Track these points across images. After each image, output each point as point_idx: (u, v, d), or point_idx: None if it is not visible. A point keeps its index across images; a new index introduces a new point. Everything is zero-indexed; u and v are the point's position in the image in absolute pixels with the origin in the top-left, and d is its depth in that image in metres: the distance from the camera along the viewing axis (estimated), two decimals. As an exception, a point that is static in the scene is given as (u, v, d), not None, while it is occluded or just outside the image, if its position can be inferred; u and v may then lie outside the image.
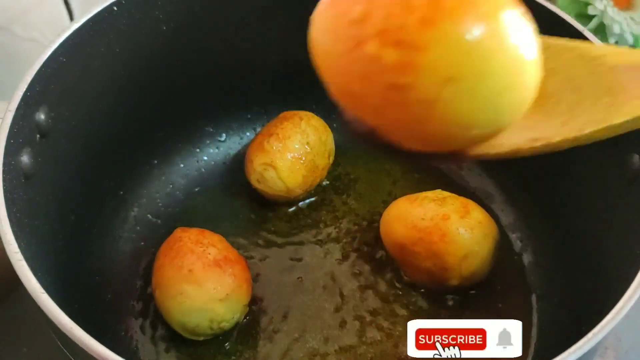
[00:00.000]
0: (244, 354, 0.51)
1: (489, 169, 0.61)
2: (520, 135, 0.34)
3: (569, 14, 0.50)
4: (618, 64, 0.35)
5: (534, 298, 0.54)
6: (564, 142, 0.34)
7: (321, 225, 0.58)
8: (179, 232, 0.52)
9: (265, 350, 0.51)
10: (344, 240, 0.57)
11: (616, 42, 0.63)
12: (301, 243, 0.57)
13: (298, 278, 0.55)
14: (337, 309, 0.53)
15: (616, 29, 0.62)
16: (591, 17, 0.62)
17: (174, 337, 0.51)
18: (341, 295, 0.54)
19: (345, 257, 0.56)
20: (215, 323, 0.48)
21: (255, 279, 0.54)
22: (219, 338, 0.51)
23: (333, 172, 0.62)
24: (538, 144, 0.34)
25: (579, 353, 0.34)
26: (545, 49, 0.33)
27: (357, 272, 0.55)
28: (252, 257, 0.56)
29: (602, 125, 0.34)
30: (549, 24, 0.50)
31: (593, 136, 0.34)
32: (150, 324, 0.52)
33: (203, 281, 0.48)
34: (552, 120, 0.35)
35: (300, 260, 0.56)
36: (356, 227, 0.58)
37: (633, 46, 0.64)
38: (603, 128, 0.34)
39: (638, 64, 0.34)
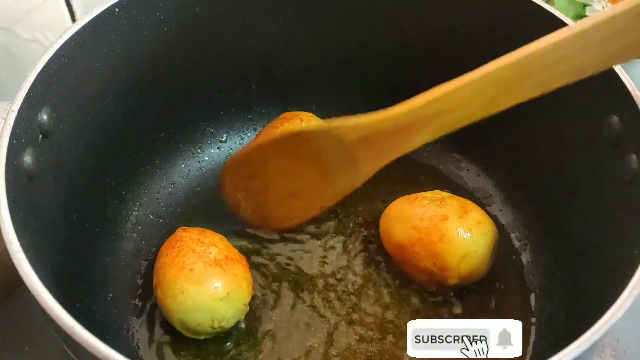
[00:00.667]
0: (244, 352, 0.51)
1: (488, 169, 0.61)
2: (314, 205, 0.50)
3: (567, 15, 0.51)
4: (352, 138, 0.45)
5: (532, 297, 0.54)
6: (330, 203, 0.49)
7: (321, 226, 0.59)
8: (180, 232, 0.52)
9: (266, 349, 0.51)
10: (344, 240, 0.58)
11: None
12: (301, 243, 0.57)
13: (298, 277, 0.55)
14: (337, 308, 0.53)
15: (614, 30, 0.62)
16: (589, 18, 0.62)
17: (176, 336, 0.51)
18: (341, 294, 0.54)
19: (345, 257, 0.56)
20: (216, 322, 0.48)
21: (255, 278, 0.54)
22: (220, 337, 0.51)
23: (333, 173, 0.62)
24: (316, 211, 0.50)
25: (577, 352, 0.34)
26: (320, 136, 0.46)
27: (357, 271, 0.55)
28: (252, 257, 0.56)
29: (353, 188, 0.48)
30: (547, 26, 0.50)
31: (337, 199, 0.49)
32: (151, 323, 0.52)
33: (204, 280, 0.48)
34: (329, 188, 0.48)
35: (300, 259, 0.56)
36: (356, 227, 0.59)
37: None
38: (352, 189, 0.48)
39: (361, 136, 0.44)
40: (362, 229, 0.58)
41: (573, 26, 0.40)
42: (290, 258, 0.56)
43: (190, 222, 0.54)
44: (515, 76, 0.40)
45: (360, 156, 0.45)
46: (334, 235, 0.58)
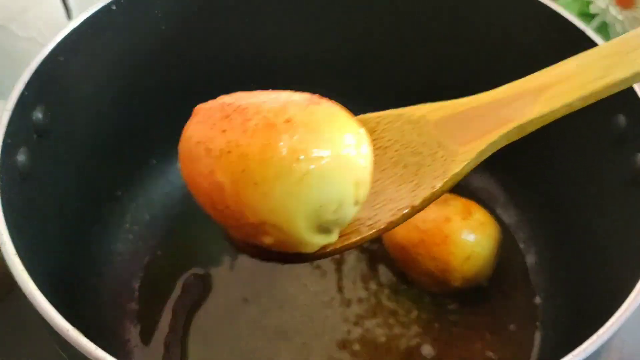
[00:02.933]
0: (255, 353, 0.50)
1: (492, 169, 0.61)
2: (385, 210, 0.38)
3: (571, 12, 0.50)
4: (438, 118, 0.39)
5: (537, 299, 0.53)
6: (424, 202, 0.38)
7: (322, 226, 0.58)
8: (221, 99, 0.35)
9: (269, 347, 0.51)
10: (345, 241, 0.57)
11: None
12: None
13: (297, 277, 0.54)
14: (337, 311, 0.52)
15: (618, 28, 0.62)
16: (593, 15, 0.62)
17: (172, 339, 0.50)
18: (341, 297, 0.53)
19: (345, 257, 0.56)
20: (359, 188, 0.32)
21: (253, 278, 0.54)
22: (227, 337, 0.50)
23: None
24: (404, 211, 0.37)
25: (583, 355, 0.34)
26: (378, 123, 0.40)
27: (358, 273, 0.55)
28: (249, 258, 0.56)
29: (447, 176, 0.38)
30: (551, 24, 0.50)
31: (445, 188, 0.38)
32: (147, 326, 0.51)
33: (321, 121, 0.31)
34: (406, 186, 0.38)
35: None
36: (357, 228, 0.58)
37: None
38: (449, 179, 0.38)
39: (452, 114, 0.38)
40: (363, 230, 0.58)
41: None
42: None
43: (188, 223, 0.54)
44: (627, 45, 0.37)
45: (452, 137, 0.38)
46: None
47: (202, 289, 0.54)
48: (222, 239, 0.56)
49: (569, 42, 0.49)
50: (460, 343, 0.51)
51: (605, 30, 0.63)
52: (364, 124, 0.37)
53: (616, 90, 0.37)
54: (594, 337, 0.34)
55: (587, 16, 0.63)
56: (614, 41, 0.39)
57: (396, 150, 0.39)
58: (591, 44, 0.47)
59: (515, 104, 0.38)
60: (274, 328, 0.51)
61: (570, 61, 0.38)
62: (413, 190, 0.38)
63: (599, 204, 0.49)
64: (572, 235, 0.52)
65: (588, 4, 0.62)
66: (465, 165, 0.38)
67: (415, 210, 0.37)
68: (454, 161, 0.38)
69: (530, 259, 0.56)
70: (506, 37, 0.54)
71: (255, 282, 0.54)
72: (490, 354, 0.50)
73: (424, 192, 0.37)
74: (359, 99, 0.64)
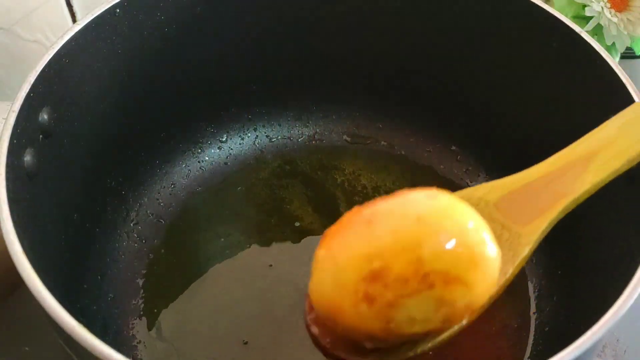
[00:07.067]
0: (258, 349, 0.51)
1: (489, 169, 0.61)
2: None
3: (566, 15, 0.51)
4: (497, 199, 0.40)
5: (532, 297, 0.54)
6: (499, 289, 0.39)
7: (323, 227, 0.59)
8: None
9: (271, 342, 0.51)
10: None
11: (613, 44, 0.64)
12: (303, 244, 0.57)
13: (297, 275, 0.55)
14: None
15: (613, 30, 0.62)
16: (588, 18, 0.63)
17: (176, 337, 0.51)
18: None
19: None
20: None
21: (254, 276, 0.54)
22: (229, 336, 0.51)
23: (333, 173, 0.62)
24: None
25: (577, 352, 0.34)
26: None
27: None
28: (251, 257, 0.56)
29: (517, 260, 0.38)
30: (546, 26, 0.51)
31: (515, 272, 0.39)
32: (152, 324, 0.52)
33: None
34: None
35: (300, 260, 0.56)
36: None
37: (630, 48, 0.65)
38: (519, 263, 0.39)
39: (508, 192, 0.40)
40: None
41: None
42: (291, 259, 0.56)
43: (190, 222, 0.55)
44: None
45: (514, 217, 0.39)
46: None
47: (204, 287, 0.54)
48: (223, 239, 0.57)
49: (564, 45, 0.50)
50: (455, 340, 0.51)
51: (600, 32, 0.63)
52: None
53: None
54: (589, 334, 0.35)
55: (582, 19, 0.63)
56: None
57: None
58: (586, 46, 0.48)
59: (566, 175, 0.39)
60: (275, 324, 0.52)
61: (610, 124, 0.39)
62: None
63: (595, 203, 0.49)
64: (567, 233, 0.52)
65: (583, 6, 0.63)
66: (531, 247, 0.39)
67: (493, 298, 0.38)
68: (520, 244, 0.39)
69: (526, 258, 0.56)
70: (501, 39, 0.55)
71: (256, 279, 0.54)
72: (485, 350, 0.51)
73: (500, 279, 0.38)
74: (358, 99, 0.65)
